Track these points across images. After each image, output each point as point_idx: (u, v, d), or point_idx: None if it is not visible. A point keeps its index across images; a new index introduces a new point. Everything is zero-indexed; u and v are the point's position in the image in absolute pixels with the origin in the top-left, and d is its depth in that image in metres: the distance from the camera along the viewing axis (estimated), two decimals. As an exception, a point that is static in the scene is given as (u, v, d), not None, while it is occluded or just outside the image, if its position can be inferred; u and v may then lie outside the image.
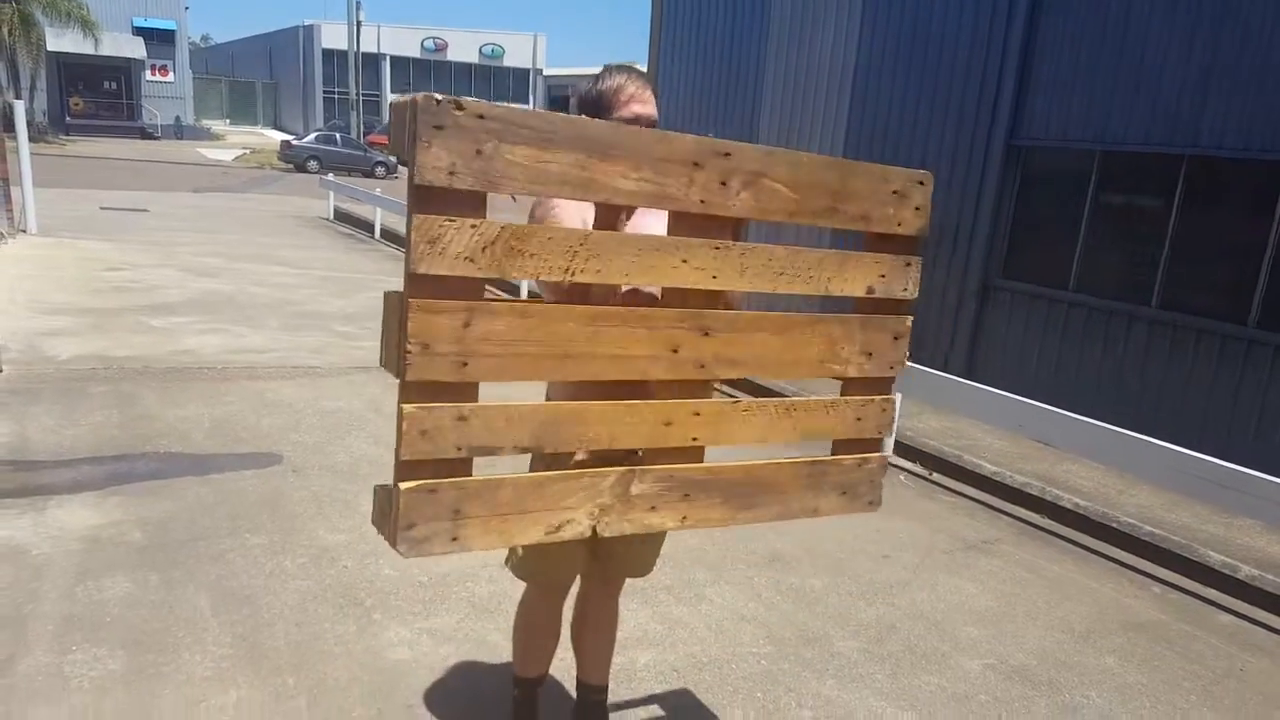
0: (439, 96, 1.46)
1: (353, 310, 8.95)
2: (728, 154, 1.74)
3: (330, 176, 18.71)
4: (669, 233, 1.81)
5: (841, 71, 9.57)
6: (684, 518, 1.91)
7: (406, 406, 1.55)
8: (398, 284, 1.56)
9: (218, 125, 45.09)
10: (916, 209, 1.99)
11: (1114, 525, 4.90)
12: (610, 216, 2.03)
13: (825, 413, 2.04)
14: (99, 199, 16.41)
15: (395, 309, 1.55)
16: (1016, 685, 3.35)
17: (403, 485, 1.58)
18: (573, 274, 1.65)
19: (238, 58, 57.00)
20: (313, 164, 28.91)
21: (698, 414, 1.86)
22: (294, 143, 31.16)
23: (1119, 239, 7.54)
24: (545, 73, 53.89)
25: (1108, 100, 7.33)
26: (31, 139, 13.28)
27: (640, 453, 1.88)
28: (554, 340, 1.67)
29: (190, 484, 4.39)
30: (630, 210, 2.15)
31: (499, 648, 3.16)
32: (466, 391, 1.60)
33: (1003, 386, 5.81)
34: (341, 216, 16.87)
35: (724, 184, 1.74)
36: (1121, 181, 7.52)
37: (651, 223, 2.25)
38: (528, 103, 53.32)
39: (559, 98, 50.82)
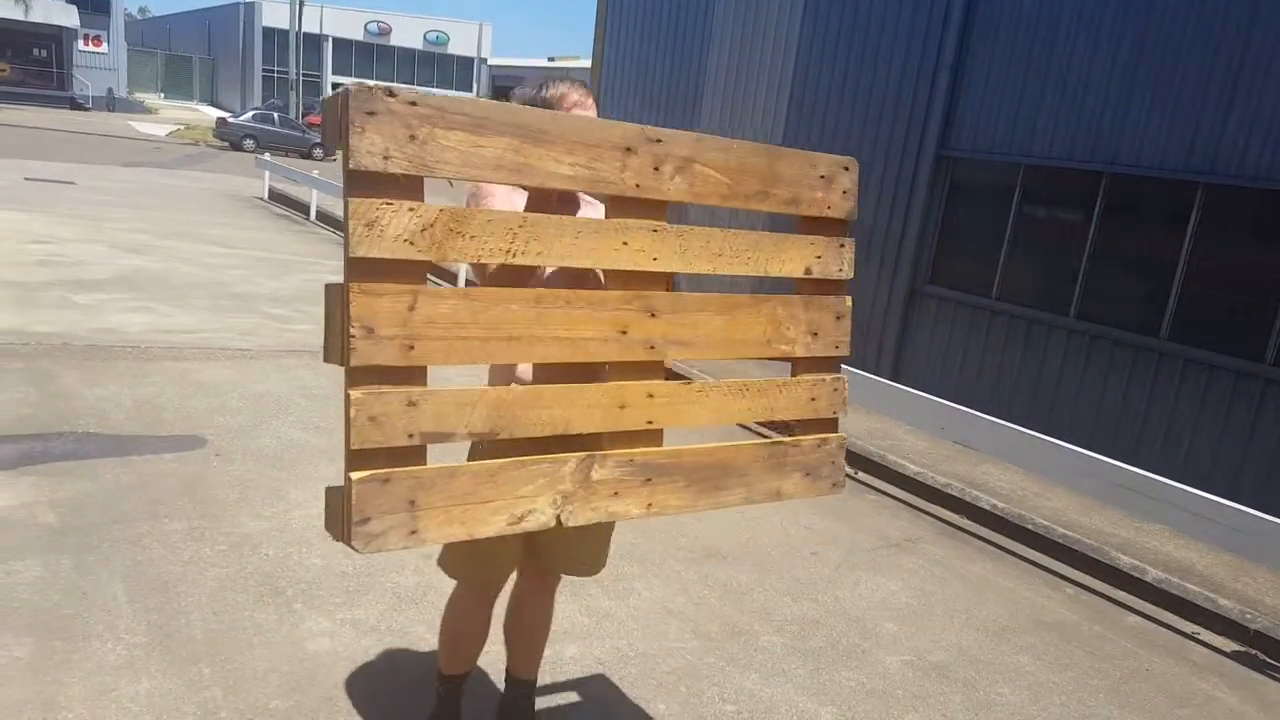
0: (371, 84, 1.49)
1: (286, 292, 8.71)
2: (659, 140, 1.78)
3: (266, 156, 18.22)
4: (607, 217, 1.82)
5: (780, 77, 9.71)
6: (649, 505, 1.87)
7: (354, 393, 1.51)
8: (334, 267, 1.57)
9: (151, 99, 43.54)
10: (844, 193, 2.06)
11: (1029, 527, 5.07)
12: (543, 206, 2.03)
13: (779, 392, 2.05)
14: (23, 169, 15.72)
15: (337, 298, 1.53)
16: (933, 681, 3.45)
17: (354, 475, 1.53)
18: (513, 255, 1.64)
19: (175, 31, 55.17)
20: (249, 143, 28.14)
21: (652, 396, 1.85)
22: (230, 120, 30.25)
23: (1040, 250, 7.81)
24: (490, 62, 53.41)
25: (1033, 116, 7.58)
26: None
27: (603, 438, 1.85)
28: (499, 323, 1.65)
29: (108, 465, 4.25)
30: (563, 201, 2.16)
31: (423, 640, 3.14)
32: (414, 376, 1.57)
33: (928, 389, 5.96)
34: (276, 197, 16.46)
35: (657, 169, 1.78)
36: (1044, 195, 7.79)
37: (587, 214, 2.26)
38: (471, 91, 52.81)
39: (503, 88, 50.36)
